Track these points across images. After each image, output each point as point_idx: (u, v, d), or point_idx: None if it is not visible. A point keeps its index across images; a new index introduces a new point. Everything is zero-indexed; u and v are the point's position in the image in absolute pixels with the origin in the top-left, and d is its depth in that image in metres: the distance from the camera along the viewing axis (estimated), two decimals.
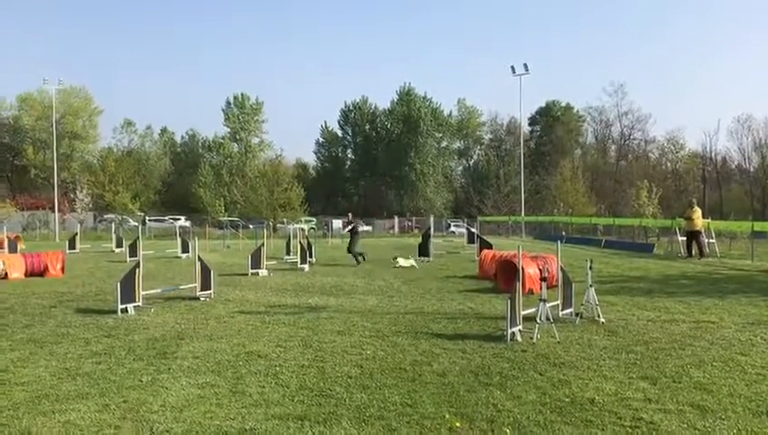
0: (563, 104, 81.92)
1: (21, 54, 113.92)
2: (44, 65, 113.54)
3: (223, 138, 76.34)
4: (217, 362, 6.91)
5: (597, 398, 5.53)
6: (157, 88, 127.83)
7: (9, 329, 8.87)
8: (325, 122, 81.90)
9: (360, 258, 19.84)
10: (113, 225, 40.63)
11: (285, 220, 50.55)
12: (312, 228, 49.28)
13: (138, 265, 10.76)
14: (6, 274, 15.72)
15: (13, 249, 22.40)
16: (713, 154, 73.33)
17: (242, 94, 75.99)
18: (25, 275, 16.16)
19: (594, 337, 8.11)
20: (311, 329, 8.82)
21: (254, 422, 4.92)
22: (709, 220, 24.47)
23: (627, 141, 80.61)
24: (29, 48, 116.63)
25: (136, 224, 50.11)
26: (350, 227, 20.59)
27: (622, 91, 79.74)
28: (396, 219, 62.97)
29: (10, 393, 5.71)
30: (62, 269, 16.99)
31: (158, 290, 12.37)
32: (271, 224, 49.48)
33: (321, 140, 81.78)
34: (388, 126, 76.15)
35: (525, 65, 50.26)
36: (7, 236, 24.22)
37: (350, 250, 20.13)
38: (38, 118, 69.99)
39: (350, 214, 24.59)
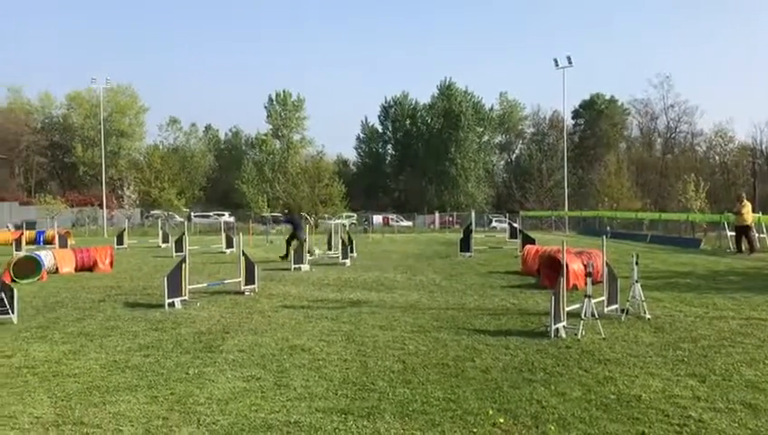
0: (607, 97, 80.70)
1: (69, 54, 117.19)
2: (92, 64, 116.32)
3: (265, 135, 77.17)
4: (262, 355, 6.99)
5: (643, 395, 5.44)
6: (201, 86, 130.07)
7: (61, 322, 9.14)
8: (366, 118, 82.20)
9: (289, 252, 19.21)
10: (159, 221, 41.42)
11: (326, 216, 50.90)
12: (353, 224, 49.49)
13: (184, 260, 10.93)
14: (57, 268, 16.12)
15: (63, 245, 23.03)
16: (763, 146, 71.23)
17: (284, 91, 76.76)
18: (75, 269, 16.55)
19: (640, 334, 7.96)
20: (353, 324, 8.86)
21: (298, 415, 4.97)
22: (759, 214, 23.80)
23: (673, 134, 78.88)
24: (77, 48, 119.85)
25: (181, 220, 51.04)
26: (284, 220, 20.65)
27: (668, 82, 78.40)
28: (437, 215, 62.83)
29: (63, 385, 5.88)
30: (111, 264, 17.33)
31: (204, 284, 12.56)
32: (312, 219, 49.89)
33: (361, 135, 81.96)
34: (429, 121, 75.80)
35: (568, 58, 49.39)
36: (58, 232, 24.94)
37: (293, 240, 19.54)
38: (86, 116, 72.17)
39: (286, 210, 24.60)
